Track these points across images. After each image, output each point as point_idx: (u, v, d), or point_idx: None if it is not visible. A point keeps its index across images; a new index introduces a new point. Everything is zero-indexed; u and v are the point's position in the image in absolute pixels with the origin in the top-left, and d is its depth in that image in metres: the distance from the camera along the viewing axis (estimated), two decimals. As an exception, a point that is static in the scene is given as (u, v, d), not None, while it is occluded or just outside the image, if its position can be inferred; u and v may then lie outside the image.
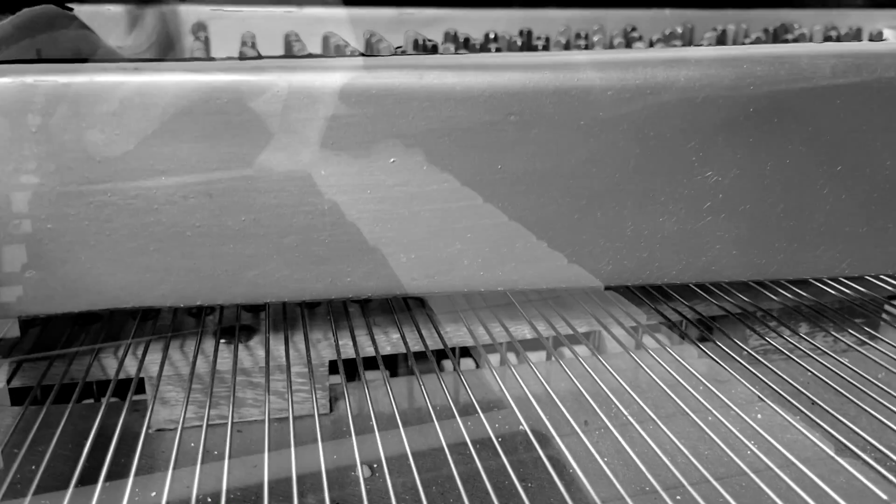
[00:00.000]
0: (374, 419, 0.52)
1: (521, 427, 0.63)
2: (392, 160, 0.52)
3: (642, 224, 0.55)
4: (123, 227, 0.50)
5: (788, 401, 0.53)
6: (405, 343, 0.62)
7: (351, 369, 0.66)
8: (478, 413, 0.55)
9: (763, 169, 0.55)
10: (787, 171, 0.55)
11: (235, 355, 0.57)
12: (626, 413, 0.57)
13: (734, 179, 0.55)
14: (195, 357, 0.59)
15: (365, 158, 0.51)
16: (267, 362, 0.56)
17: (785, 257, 0.58)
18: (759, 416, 0.67)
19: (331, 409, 0.66)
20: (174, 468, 0.49)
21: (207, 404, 0.51)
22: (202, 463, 0.58)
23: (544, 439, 0.55)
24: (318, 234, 0.52)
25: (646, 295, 0.71)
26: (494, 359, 0.77)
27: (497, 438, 0.58)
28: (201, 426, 0.62)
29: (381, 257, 0.54)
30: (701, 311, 0.68)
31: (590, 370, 0.60)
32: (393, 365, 0.80)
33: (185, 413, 0.51)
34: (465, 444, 0.51)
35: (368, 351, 0.64)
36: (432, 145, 0.52)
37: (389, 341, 0.65)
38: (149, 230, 0.50)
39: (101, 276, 0.51)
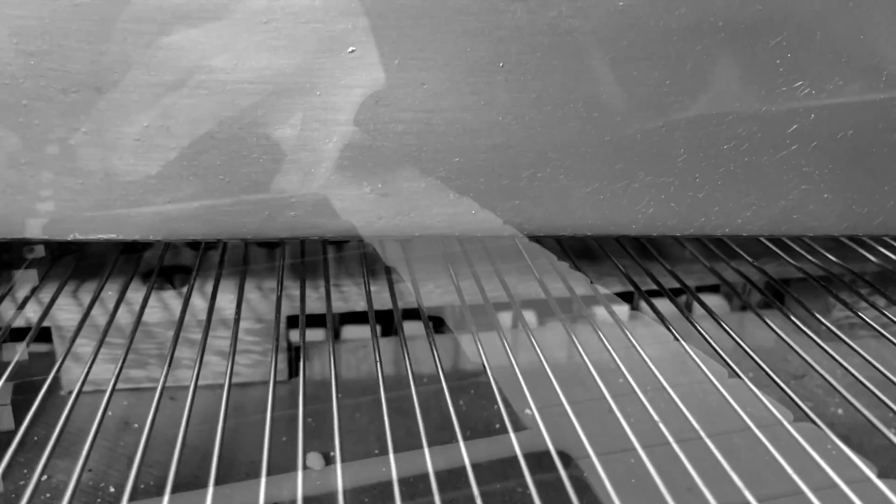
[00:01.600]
0: (336, 389, 0.39)
1: (527, 412, 0.49)
2: (351, 49, 0.37)
3: (699, 152, 0.40)
4: (-16, 131, 0.37)
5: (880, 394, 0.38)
6: (393, 299, 0.48)
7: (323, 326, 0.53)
8: (473, 392, 0.41)
9: (876, 79, 0.39)
10: (911, 83, 0.39)
11: (143, 306, 0.44)
12: (672, 391, 0.41)
13: (833, 94, 0.39)
14: (116, 306, 0.46)
15: (313, 46, 0.37)
16: (183, 312, 0.43)
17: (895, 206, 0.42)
18: (839, 410, 0.52)
19: (290, 376, 0.52)
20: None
21: (121, 362, 0.39)
22: (105, 439, 0.47)
23: (559, 427, 0.40)
24: (249, 150, 0.38)
25: (699, 249, 0.56)
26: (506, 319, 0.63)
27: (494, 426, 0.45)
28: (127, 391, 0.51)
29: (335, 186, 0.40)
30: (772, 272, 0.52)
31: (621, 340, 0.45)
32: (386, 322, 0.66)
33: (86, 372, 0.38)
34: (456, 440, 0.37)
35: (339, 306, 0.51)
36: (408, 29, 0.37)
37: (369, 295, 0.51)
38: (17, 136, 0.37)
39: (-42, 196, 0.38)
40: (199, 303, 0.49)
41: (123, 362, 0.39)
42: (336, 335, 0.63)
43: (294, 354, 0.54)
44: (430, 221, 0.41)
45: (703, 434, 0.36)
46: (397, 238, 0.41)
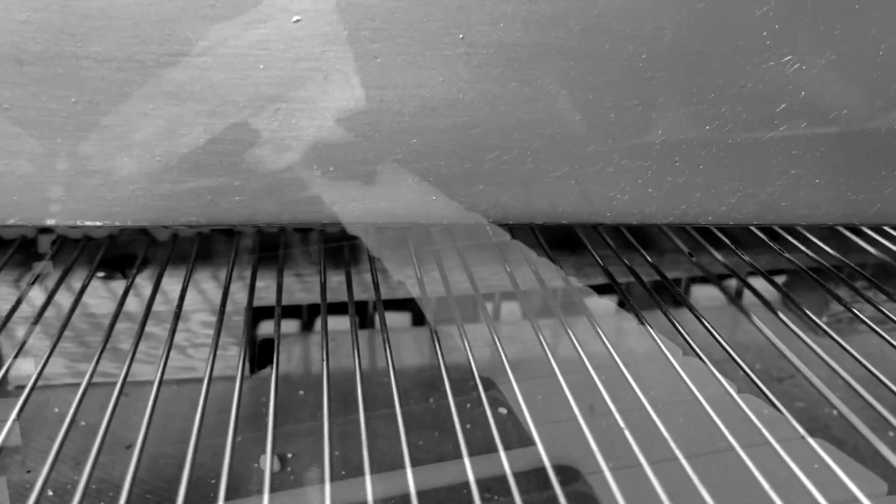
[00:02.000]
0: (276, 386, 0.36)
1: (500, 410, 0.46)
2: (295, 19, 0.34)
3: (678, 133, 0.37)
4: None
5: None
6: (349, 291, 0.45)
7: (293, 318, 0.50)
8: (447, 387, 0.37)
9: (873, 54, 0.36)
10: (912, 57, 0.36)
11: (77, 297, 0.41)
12: (644, 402, 0.38)
13: (826, 69, 0.36)
14: (51, 293, 0.43)
15: (254, 15, 0.34)
16: (120, 304, 0.40)
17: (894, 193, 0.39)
18: (835, 411, 0.48)
19: (252, 371, 0.50)
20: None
21: (47, 355, 0.36)
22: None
23: (523, 433, 0.37)
24: (187, 128, 0.35)
25: (685, 238, 0.52)
26: (505, 310, 0.59)
27: (465, 426, 0.42)
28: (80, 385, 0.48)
29: (282, 169, 0.36)
30: (761, 264, 0.49)
31: (609, 336, 0.41)
32: (361, 313, 0.63)
33: (7, 367, 0.36)
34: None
35: (300, 297, 0.48)
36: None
37: (328, 284, 0.48)
38: (-66, 112, 0.34)
39: None
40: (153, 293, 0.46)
41: (50, 355, 0.36)
42: (308, 327, 0.60)
43: (255, 349, 0.51)
44: (388, 208, 0.38)
45: (674, 447, 0.33)
46: (357, 225, 0.38)
